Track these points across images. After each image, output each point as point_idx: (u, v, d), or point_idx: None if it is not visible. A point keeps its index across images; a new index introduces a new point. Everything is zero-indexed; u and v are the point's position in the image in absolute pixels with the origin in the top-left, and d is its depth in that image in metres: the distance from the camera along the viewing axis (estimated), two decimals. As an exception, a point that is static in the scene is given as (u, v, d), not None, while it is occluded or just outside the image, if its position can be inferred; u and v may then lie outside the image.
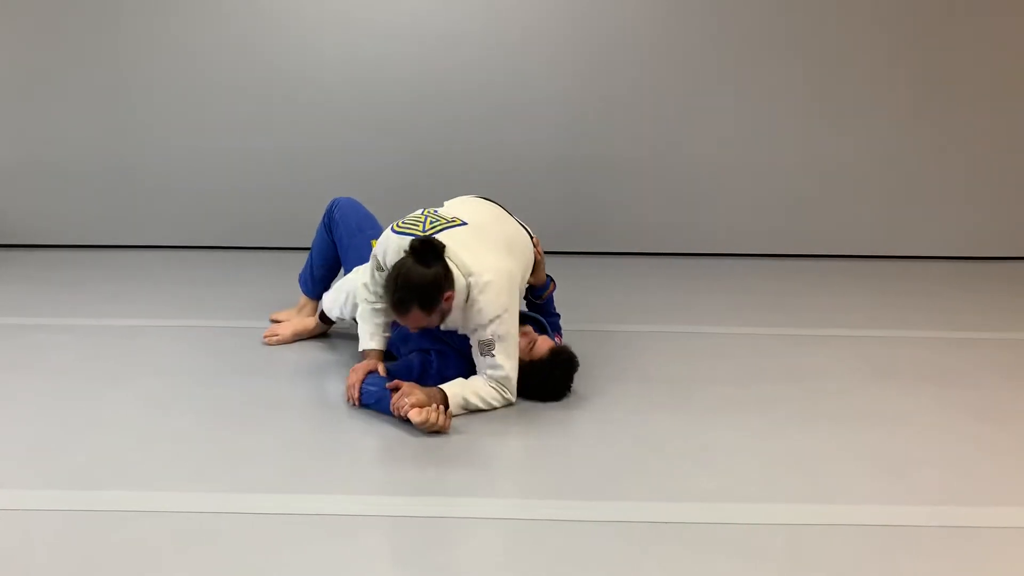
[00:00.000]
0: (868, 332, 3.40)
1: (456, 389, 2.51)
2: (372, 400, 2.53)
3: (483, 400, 2.54)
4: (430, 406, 2.38)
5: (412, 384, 2.48)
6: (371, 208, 3.22)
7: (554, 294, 3.00)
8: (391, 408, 2.44)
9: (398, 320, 2.48)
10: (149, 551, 1.82)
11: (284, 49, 4.47)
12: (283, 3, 4.43)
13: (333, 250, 3.16)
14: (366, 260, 2.96)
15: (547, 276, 2.95)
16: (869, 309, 3.76)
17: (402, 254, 2.47)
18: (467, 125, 4.56)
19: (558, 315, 3.03)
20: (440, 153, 4.58)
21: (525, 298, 2.96)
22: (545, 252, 2.94)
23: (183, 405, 2.57)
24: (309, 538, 1.87)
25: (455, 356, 2.66)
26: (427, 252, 2.41)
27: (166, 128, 4.53)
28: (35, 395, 2.63)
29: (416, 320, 2.43)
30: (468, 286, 2.48)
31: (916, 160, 4.68)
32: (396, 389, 2.47)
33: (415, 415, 2.35)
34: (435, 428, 2.36)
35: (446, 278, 2.42)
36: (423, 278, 2.37)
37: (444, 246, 2.47)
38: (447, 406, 2.45)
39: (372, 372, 2.58)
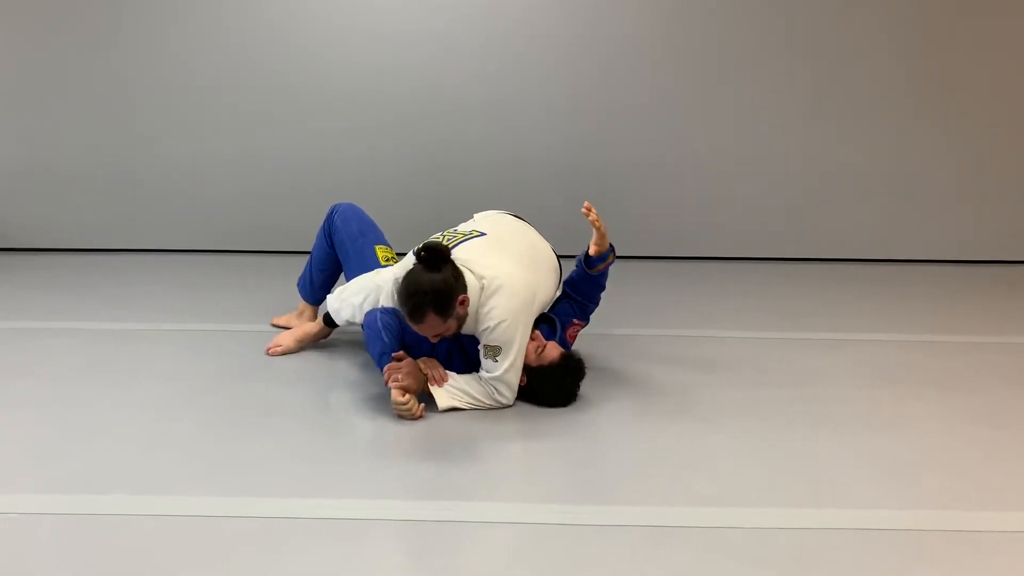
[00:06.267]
0: (869, 336, 3.40)
1: (445, 379, 2.59)
2: (377, 349, 2.62)
3: (471, 396, 2.58)
4: (415, 396, 2.51)
5: (413, 366, 2.55)
6: (375, 215, 3.22)
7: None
8: (384, 371, 2.55)
9: (416, 330, 2.49)
10: (151, 555, 1.82)
11: (286, 55, 4.47)
12: (286, 9, 4.44)
13: (333, 256, 3.16)
14: (367, 265, 2.98)
15: (610, 245, 2.75)
16: (870, 313, 3.76)
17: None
18: (471, 131, 4.56)
19: (596, 303, 2.88)
20: (444, 159, 4.58)
21: (576, 274, 2.84)
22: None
23: (185, 409, 2.58)
24: (312, 542, 1.88)
25: (462, 360, 2.69)
26: (434, 257, 2.43)
27: (168, 132, 4.54)
28: (37, 399, 2.63)
29: (433, 326, 2.44)
30: (481, 289, 2.51)
31: (917, 164, 4.68)
32: (400, 359, 2.58)
33: (397, 395, 2.48)
34: (406, 416, 2.49)
35: (458, 281, 2.44)
36: (434, 283, 2.39)
37: (449, 249, 2.49)
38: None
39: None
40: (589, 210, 2.64)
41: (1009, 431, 2.53)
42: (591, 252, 2.74)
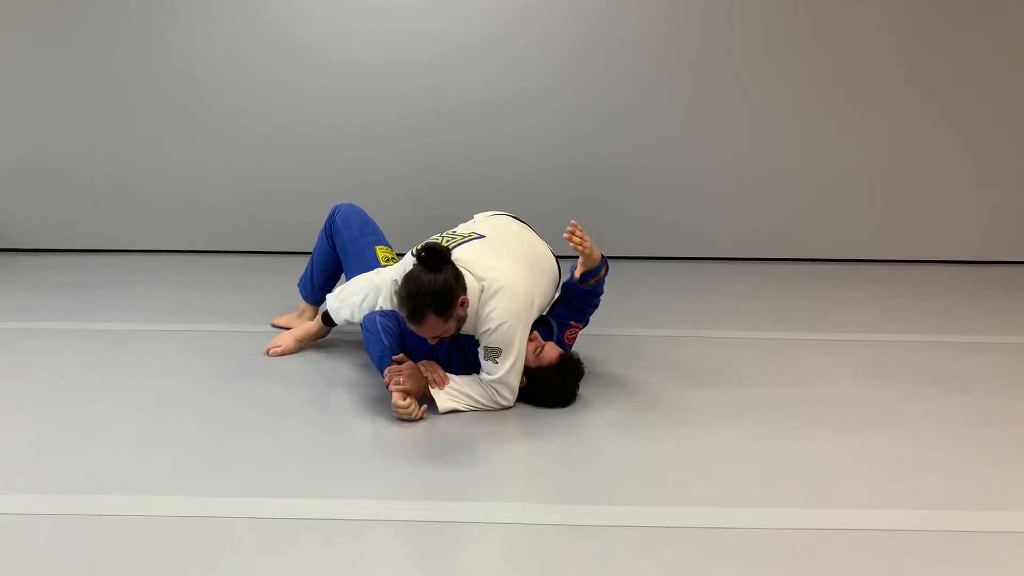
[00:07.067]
0: (868, 336, 3.40)
1: (446, 381, 2.59)
2: (377, 351, 2.62)
3: (472, 398, 2.58)
4: (415, 399, 2.51)
5: (413, 369, 2.55)
6: (375, 215, 3.23)
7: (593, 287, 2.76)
8: (384, 373, 2.55)
9: (415, 331, 2.47)
10: (151, 555, 1.82)
11: (286, 55, 4.48)
12: (285, 10, 4.44)
13: (334, 256, 3.17)
14: (368, 266, 2.99)
15: (602, 258, 2.70)
16: (869, 313, 3.76)
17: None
18: (471, 131, 4.57)
19: (594, 306, 2.84)
20: (444, 159, 4.59)
21: (571, 284, 2.80)
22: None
23: (185, 409, 2.58)
24: (311, 543, 1.88)
25: (462, 362, 2.69)
26: (433, 258, 2.42)
27: (168, 132, 4.54)
28: (37, 399, 2.63)
29: (433, 327, 2.43)
30: (481, 290, 2.50)
31: (915, 164, 4.68)
32: (400, 361, 2.58)
33: (398, 398, 2.47)
34: (407, 419, 2.49)
35: (458, 282, 2.43)
36: (434, 283, 2.38)
37: (449, 250, 2.48)
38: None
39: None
40: (573, 233, 2.58)
41: (1009, 431, 2.53)
42: (576, 274, 2.72)
